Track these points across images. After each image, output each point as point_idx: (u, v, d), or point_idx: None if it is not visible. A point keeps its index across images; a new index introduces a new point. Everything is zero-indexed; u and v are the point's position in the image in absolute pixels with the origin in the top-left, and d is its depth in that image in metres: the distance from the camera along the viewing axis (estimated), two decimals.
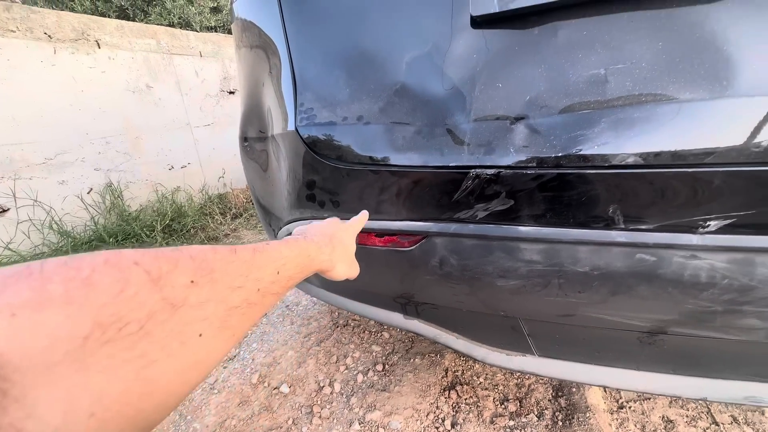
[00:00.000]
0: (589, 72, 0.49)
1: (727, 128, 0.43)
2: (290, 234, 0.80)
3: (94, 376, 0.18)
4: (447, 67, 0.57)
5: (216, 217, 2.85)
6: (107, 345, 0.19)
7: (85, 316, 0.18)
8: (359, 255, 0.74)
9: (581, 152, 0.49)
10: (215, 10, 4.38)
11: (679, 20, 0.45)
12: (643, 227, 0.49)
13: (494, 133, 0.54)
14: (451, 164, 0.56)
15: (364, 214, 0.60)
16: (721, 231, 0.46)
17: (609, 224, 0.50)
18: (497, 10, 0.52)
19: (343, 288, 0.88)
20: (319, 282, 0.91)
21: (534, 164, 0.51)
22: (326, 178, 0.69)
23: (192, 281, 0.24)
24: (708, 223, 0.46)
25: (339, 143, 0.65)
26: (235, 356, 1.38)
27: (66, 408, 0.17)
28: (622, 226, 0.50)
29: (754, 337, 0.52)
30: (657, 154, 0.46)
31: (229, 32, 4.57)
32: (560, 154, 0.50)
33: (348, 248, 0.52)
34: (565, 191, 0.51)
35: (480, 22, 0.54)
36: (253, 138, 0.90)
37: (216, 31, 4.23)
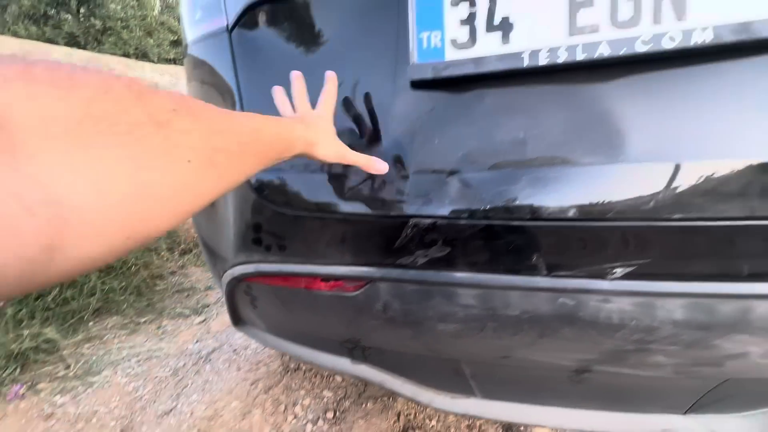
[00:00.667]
0: (510, 134, 0.55)
1: (621, 189, 0.50)
2: (236, 278, 0.79)
3: (94, 159, 0.19)
4: (388, 123, 0.62)
5: (162, 252, 2.68)
6: (101, 136, 0.19)
7: (74, 101, 0.19)
8: (303, 301, 0.74)
9: (505, 205, 0.54)
10: (175, 43, 4.37)
11: (583, 95, 0.53)
12: (563, 274, 0.54)
13: (431, 185, 0.58)
14: (392, 213, 0.59)
15: (331, 79, 0.58)
16: (625, 277, 0.52)
17: (534, 271, 0.55)
18: (430, 77, 0.58)
19: (291, 332, 0.85)
20: (265, 326, 0.88)
21: (466, 215, 0.55)
22: (273, 223, 0.70)
23: (174, 109, 0.25)
24: (614, 270, 0.52)
25: (286, 189, 0.67)
26: (170, 410, 1.25)
27: (70, 179, 0.18)
28: (545, 273, 0.54)
29: (663, 373, 0.58)
30: (568, 210, 0.52)
31: None
32: (488, 207, 0.55)
33: (328, 123, 0.53)
34: (494, 240, 0.55)
35: (418, 84, 0.60)
36: None
37: (175, 64, 4.20)
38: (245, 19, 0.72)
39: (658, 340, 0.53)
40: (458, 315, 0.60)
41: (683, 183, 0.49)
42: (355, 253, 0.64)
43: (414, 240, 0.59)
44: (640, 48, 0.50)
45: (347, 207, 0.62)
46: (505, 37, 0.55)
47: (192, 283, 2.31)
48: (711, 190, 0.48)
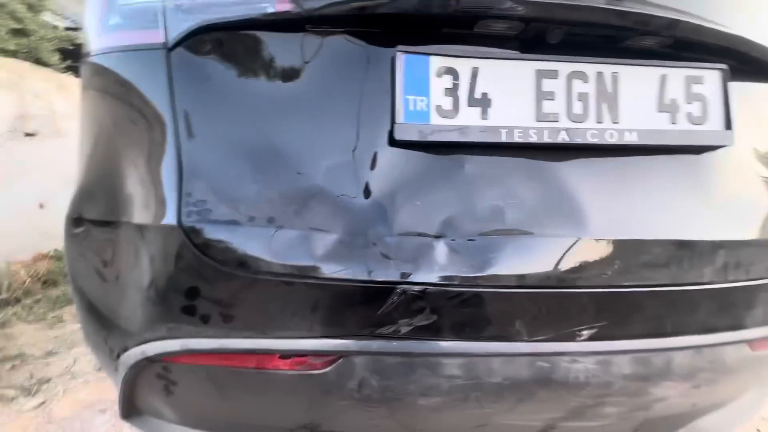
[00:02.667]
0: (492, 202, 0.58)
1: (585, 259, 0.57)
2: (148, 358, 0.59)
3: None
4: (369, 181, 0.58)
5: None
6: None
7: None
8: (250, 384, 0.60)
9: (493, 273, 0.55)
10: (19, 32, 3.47)
11: (552, 171, 0.59)
12: (541, 338, 0.56)
13: (418, 250, 0.55)
14: (378, 279, 0.54)
15: None
16: (589, 339, 0.57)
17: (516, 336, 0.56)
18: (417, 139, 0.58)
19: (218, 423, 0.68)
20: (178, 417, 0.68)
21: (456, 282, 0.54)
22: (218, 288, 0.56)
23: None
24: (581, 332, 0.57)
25: (243, 247, 0.55)
26: None
27: None
28: (525, 338, 0.56)
29: (608, 421, 0.64)
30: (546, 277, 0.56)
31: (37, 61, 3.65)
32: (477, 274, 0.55)
33: None
34: (481, 308, 0.55)
35: (402, 144, 0.58)
36: (94, 221, 0.68)
37: (15, 57, 3.31)
38: (196, 41, 0.60)
39: (611, 393, 0.60)
40: (442, 387, 0.56)
41: (627, 254, 0.58)
42: (327, 323, 0.56)
43: (400, 308, 0.55)
44: (591, 139, 0.60)
45: (324, 270, 0.54)
46: (485, 112, 0.59)
47: (20, 348, 1.70)
48: (649, 261, 0.58)
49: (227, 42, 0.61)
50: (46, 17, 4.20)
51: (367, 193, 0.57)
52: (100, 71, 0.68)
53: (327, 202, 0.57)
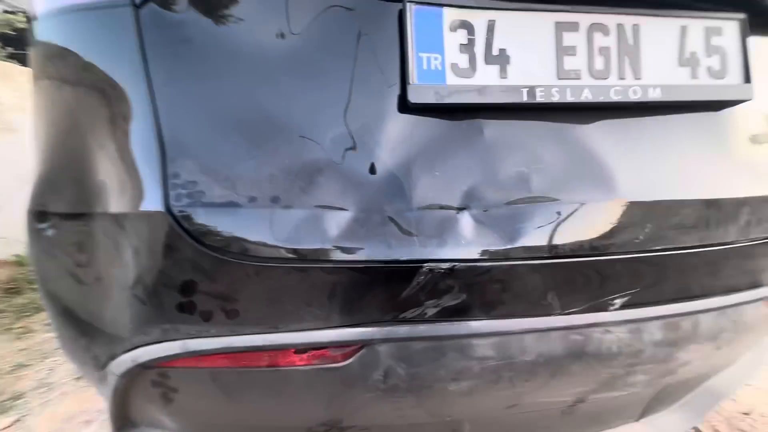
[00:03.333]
0: (516, 169, 0.53)
1: (618, 224, 0.53)
2: (141, 364, 0.52)
3: None
4: (380, 148, 0.52)
5: None
6: None
7: None
8: (262, 384, 0.54)
9: (523, 244, 0.51)
10: None
11: (577, 132, 0.55)
12: (574, 310, 0.53)
13: (442, 224, 0.50)
14: (402, 258, 0.49)
15: None
16: (621, 307, 0.55)
17: (549, 310, 0.52)
18: (433, 101, 0.52)
19: (227, 429, 0.62)
20: (180, 426, 0.61)
21: (486, 257, 0.50)
22: (219, 280, 0.49)
23: None
24: (614, 301, 0.54)
25: (245, 232, 0.48)
26: None
27: None
28: (559, 311, 0.53)
29: (637, 389, 0.63)
30: (577, 245, 0.52)
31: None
32: (506, 246, 0.50)
33: None
34: (512, 282, 0.51)
35: (417, 108, 0.52)
36: (62, 215, 0.59)
37: None
38: None
39: (641, 361, 0.58)
40: (473, 370, 0.53)
41: (656, 217, 0.55)
42: (346, 311, 0.50)
43: (426, 288, 0.50)
44: (614, 96, 0.56)
45: (340, 252, 0.48)
46: (503, 70, 0.54)
47: None
48: (677, 223, 0.56)
49: None
50: None
51: (380, 163, 0.51)
52: (52, 35, 0.58)
53: (337, 175, 0.51)
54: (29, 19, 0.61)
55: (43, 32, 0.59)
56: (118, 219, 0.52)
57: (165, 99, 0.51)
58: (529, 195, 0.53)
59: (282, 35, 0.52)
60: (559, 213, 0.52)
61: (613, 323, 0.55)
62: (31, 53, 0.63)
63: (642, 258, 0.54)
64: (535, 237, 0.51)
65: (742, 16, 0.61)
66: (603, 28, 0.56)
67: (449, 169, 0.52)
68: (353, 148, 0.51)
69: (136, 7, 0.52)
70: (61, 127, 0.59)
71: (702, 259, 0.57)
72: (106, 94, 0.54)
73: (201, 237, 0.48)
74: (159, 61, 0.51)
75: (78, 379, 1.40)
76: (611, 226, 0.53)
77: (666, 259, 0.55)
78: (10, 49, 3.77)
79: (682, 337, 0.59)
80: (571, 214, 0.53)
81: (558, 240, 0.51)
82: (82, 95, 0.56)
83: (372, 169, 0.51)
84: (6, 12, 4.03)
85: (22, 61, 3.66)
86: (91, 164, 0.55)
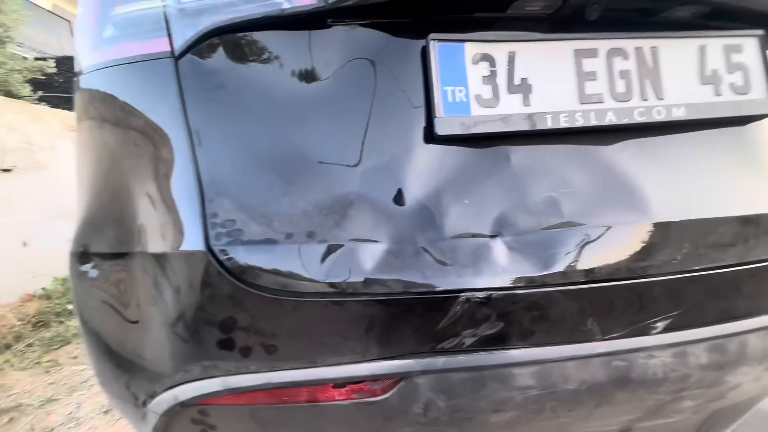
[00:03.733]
0: (546, 194, 0.54)
1: (651, 245, 0.53)
2: (182, 403, 0.53)
3: None
4: (410, 180, 0.53)
5: None
6: None
7: None
8: (301, 419, 0.54)
9: (559, 270, 0.50)
10: None
11: (604, 155, 0.55)
12: (615, 335, 0.52)
13: (476, 252, 0.51)
14: (438, 288, 0.49)
15: None
16: (664, 330, 0.53)
17: (590, 336, 0.51)
18: (459, 132, 0.53)
19: None
20: None
21: (522, 284, 0.50)
22: (258, 316, 0.50)
23: None
24: (656, 324, 0.53)
25: (283, 268, 0.49)
26: None
27: None
28: (600, 337, 0.52)
29: (684, 416, 0.60)
30: (614, 269, 0.51)
31: (8, 94, 3.51)
32: (542, 273, 0.50)
33: None
34: (550, 308, 0.51)
35: (445, 140, 0.54)
36: (104, 255, 0.61)
37: None
38: (205, 47, 0.55)
39: (688, 386, 0.56)
40: (515, 400, 0.51)
41: (692, 236, 0.54)
42: (384, 343, 0.50)
43: (463, 318, 0.49)
44: (639, 118, 0.56)
45: (376, 285, 0.49)
46: (526, 99, 0.55)
47: (16, 399, 1.58)
48: (715, 241, 0.55)
49: (240, 44, 0.56)
50: (12, 49, 4.05)
51: (411, 195, 0.52)
52: (96, 88, 0.62)
53: (369, 209, 0.52)
54: (75, 72, 0.66)
55: (89, 82, 0.63)
56: (158, 258, 0.54)
57: (203, 142, 0.54)
58: (561, 220, 0.53)
59: (311, 76, 0.55)
60: (591, 236, 0.52)
61: (656, 347, 0.53)
62: (77, 100, 0.67)
63: (681, 279, 0.53)
64: (569, 262, 0.51)
65: (760, 32, 0.61)
66: (622, 53, 0.58)
67: (479, 197, 0.53)
68: (384, 180, 0.53)
69: (176, 58, 0.55)
70: (104, 171, 0.62)
71: (744, 276, 0.55)
72: (148, 138, 0.57)
73: (240, 274, 0.49)
74: (197, 107, 0.54)
75: (106, 412, 1.41)
76: (647, 247, 0.53)
77: (706, 279, 0.54)
78: (40, 93, 4.00)
79: (730, 359, 0.56)
80: (605, 237, 0.52)
81: (593, 264, 0.51)
82: (125, 140, 0.59)
83: (403, 201, 0.52)
84: (37, 59, 4.31)
85: (52, 103, 3.88)
86: (132, 205, 0.57)
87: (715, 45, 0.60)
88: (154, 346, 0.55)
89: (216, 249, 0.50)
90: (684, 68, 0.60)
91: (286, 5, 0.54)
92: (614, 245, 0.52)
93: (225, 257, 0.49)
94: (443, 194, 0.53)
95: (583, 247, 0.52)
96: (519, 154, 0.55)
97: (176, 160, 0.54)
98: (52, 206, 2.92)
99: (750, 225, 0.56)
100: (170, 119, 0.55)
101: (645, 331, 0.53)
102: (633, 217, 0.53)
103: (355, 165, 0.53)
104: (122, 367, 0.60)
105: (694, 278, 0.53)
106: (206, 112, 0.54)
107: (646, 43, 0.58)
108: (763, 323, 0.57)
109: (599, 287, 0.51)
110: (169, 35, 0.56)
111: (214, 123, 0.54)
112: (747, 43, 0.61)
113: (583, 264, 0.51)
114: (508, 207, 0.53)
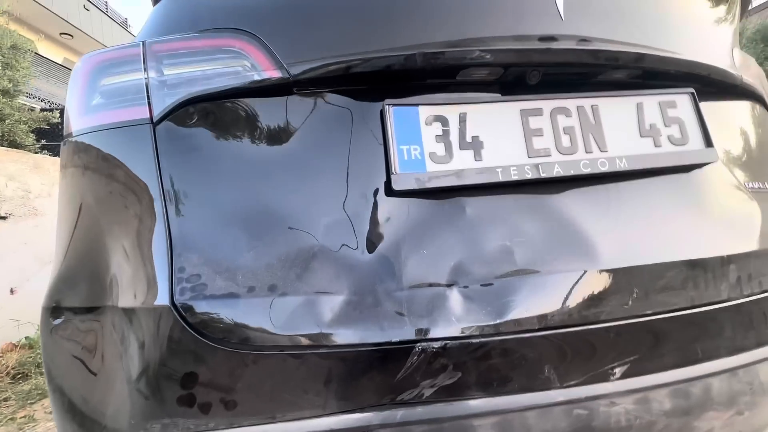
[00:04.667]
0: (499, 243, 0.56)
1: (605, 292, 0.55)
2: None
3: None
4: (369, 232, 0.56)
5: None
6: None
7: None
8: None
9: (514, 317, 0.52)
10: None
11: (553, 205, 0.59)
12: (574, 382, 0.52)
13: (432, 302, 0.52)
14: (394, 339, 0.50)
15: None
16: (624, 376, 0.54)
17: (548, 384, 0.52)
18: (415, 187, 0.57)
19: None
20: None
21: (478, 333, 0.51)
22: (218, 370, 0.51)
23: None
24: (614, 370, 0.53)
25: (244, 321, 0.51)
26: None
27: None
28: (558, 384, 0.52)
29: None
30: (569, 315, 0.53)
31: (12, 143, 3.63)
32: (498, 321, 0.52)
33: None
34: (507, 356, 0.52)
35: (401, 194, 0.57)
36: (75, 309, 0.62)
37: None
38: (181, 113, 0.60)
39: None
40: None
41: (642, 281, 0.57)
42: (343, 396, 0.50)
43: (421, 368, 0.50)
44: (584, 169, 0.61)
45: (335, 337, 0.50)
46: (478, 154, 0.60)
47: None
48: (665, 286, 0.57)
49: (213, 111, 0.61)
50: (22, 100, 4.26)
51: (370, 247, 0.55)
52: (81, 150, 0.66)
53: (330, 261, 0.54)
54: (65, 135, 0.70)
55: (74, 144, 0.67)
56: (127, 313, 0.55)
57: (174, 199, 0.57)
58: (514, 268, 0.55)
59: (277, 139, 0.60)
60: (544, 284, 0.54)
61: (617, 394, 0.53)
62: (61, 160, 0.71)
63: (634, 324, 0.54)
64: (523, 309, 0.52)
65: (690, 89, 0.67)
66: (565, 111, 0.63)
67: (436, 248, 0.56)
68: (345, 234, 0.56)
69: (154, 124, 0.60)
70: (81, 228, 0.65)
71: (696, 320, 0.57)
72: (124, 196, 0.60)
73: (202, 328, 0.50)
74: (170, 167, 0.58)
75: None
76: (599, 293, 0.55)
77: (659, 324, 0.55)
78: (43, 141, 4.15)
79: (695, 404, 0.56)
80: (557, 284, 0.54)
81: (547, 311, 0.53)
82: (103, 198, 0.63)
83: (363, 253, 0.55)
84: (43, 110, 4.50)
85: (54, 152, 4.02)
86: (105, 260, 0.60)
87: (650, 102, 0.66)
88: (116, 403, 0.55)
89: (179, 303, 0.51)
90: (624, 123, 0.65)
91: (255, 77, 0.59)
92: (567, 292, 0.54)
93: (187, 311, 0.51)
94: (401, 246, 0.55)
95: (536, 294, 0.54)
96: (473, 206, 0.59)
97: (149, 217, 0.58)
98: (44, 252, 2.93)
99: (697, 268, 0.59)
100: (145, 179, 0.59)
101: (604, 378, 0.53)
102: (584, 264, 0.56)
103: (318, 220, 0.56)
104: (85, 426, 0.59)
105: (647, 323, 0.55)
106: (179, 172, 0.58)
107: (586, 102, 0.64)
108: (723, 366, 0.58)
109: (554, 334, 0.52)
110: (149, 103, 0.61)
111: (185, 182, 0.58)
112: (680, 100, 0.67)
113: (537, 311, 0.53)
114: (464, 257, 0.55)
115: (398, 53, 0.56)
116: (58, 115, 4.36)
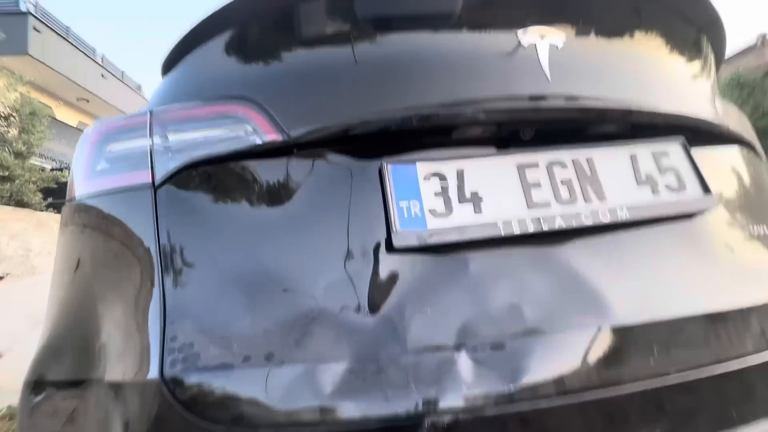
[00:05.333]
0: (506, 301, 0.54)
1: (624, 350, 0.51)
2: None
3: None
4: (370, 293, 0.54)
5: None
6: None
7: None
8: None
9: (530, 383, 0.48)
10: (5, 179, 3.58)
11: (558, 259, 0.57)
12: None
13: (440, 368, 0.49)
14: (400, 411, 0.46)
15: None
16: None
17: None
18: (416, 245, 0.56)
19: None
20: None
21: (491, 402, 0.47)
22: None
23: None
24: None
25: (238, 395, 0.47)
26: None
27: None
28: None
29: None
30: (585, 378, 0.49)
31: (19, 203, 3.70)
32: (512, 387, 0.48)
33: None
34: (527, 427, 0.47)
35: (402, 251, 0.56)
36: (58, 384, 0.59)
37: None
38: (182, 177, 0.61)
39: None
40: None
41: (658, 338, 0.53)
42: None
43: None
44: (586, 221, 0.60)
45: (338, 411, 0.46)
46: (477, 208, 0.59)
47: None
48: (684, 341, 0.53)
49: (213, 174, 0.62)
50: (34, 160, 4.41)
51: (372, 308, 0.53)
52: (82, 212, 0.67)
53: (330, 325, 0.52)
54: (68, 200, 0.71)
55: (76, 208, 0.68)
56: (113, 388, 0.51)
57: (171, 264, 0.56)
58: (525, 328, 0.52)
59: (277, 200, 0.60)
60: (558, 345, 0.51)
61: None
62: (61, 224, 0.71)
63: (656, 384, 0.50)
64: (538, 374, 0.49)
65: (680, 138, 0.69)
66: (560, 164, 0.64)
67: (441, 307, 0.53)
68: (345, 295, 0.54)
69: (155, 188, 0.61)
70: (73, 293, 0.63)
71: (725, 378, 0.53)
72: (120, 261, 0.59)
73: (192, 406, 0.47)
74: (169, 231, 0.58)
75: None
76: (615, 352, 0.51)
77: (683, 383, 0.51)
78: (49, 200, 4.23)
79: None
80: (572, 344, 0.51)
81: (563, 374, 0.49)
82: (98, 263, 0.62)
83: (364, 315, 0.52)
84: (54, 169, 4.65)
85: (59, 209, 4.08)
86: (95, 330, 0.57)
87: (644, 152, 0.67)
88: None
89: (168, 377, 0.48)
90: (620, 174, 0.65)
91: (257, 141, 0.61)
92: (583, 352, 0.51)
93: (177, 386, 0.48)
94: (405, 306, 0.53)
95: (551, 356, 0.50)
96: (476, 261, 0.57)
97: (144, 283, 0.56)
98: (38, 311, 2.85)
99: (718, 321, 0.56)
100: (143, 243, 0.58)
101: None
102: (597, 321, 0.53)
103: (318, 282, 0.54)
104: None
105: (670, 383, 0.51)
106: (177, 236, 0.58)
107: (581, 154, 0.65)
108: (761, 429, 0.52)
109: (573, 400, 0.48)
110: (152, 168, 0.62)
111: (183, 246, 0.57)
112: (672, 149, 0.68)
113: (554, 375, 0.49)
114: (471, 316, 0.53)
115: (394, 115, 0.58)
116: (68, 174, 4.49)
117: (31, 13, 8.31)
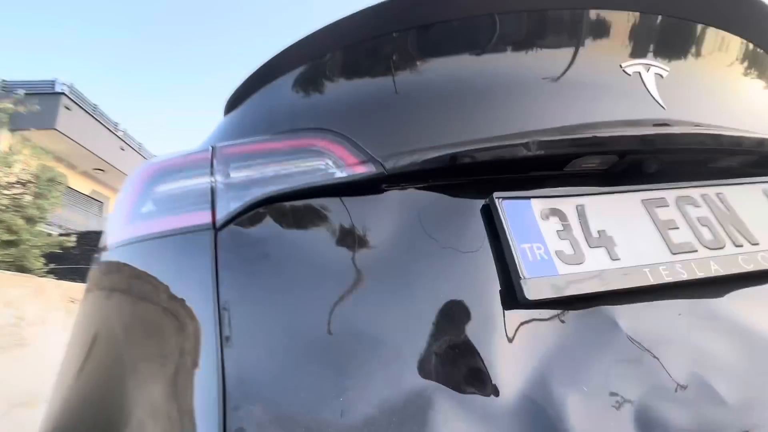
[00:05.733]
0: (686, 372, 0.40)
1: None
2: None
3: None
4: (497, 364, 0.40)
5: None
6: None
7: None
8: None
9: None
10: (10, 243, 3.49)
11: (728, 308, 0.44)
12: None
13: None
14: None
15: None
16: None
17: None
18: (552, 296, 0.44)
19: None
20: None
21: None
22: None
23: None
24: None
25: None
26: None
27: None
28: None
29: None
30: None
31: (20, 268, 3.55)
32: None
33: None
34: None
35: (531, 305, 0.44)
36: None
37: None
38: (249, 216, 0.50)
39: None
40: None
41: None
42: None
43: None
44: (745, 265, 0.48)
45: None
46: (612, 252, 0.48)
47: None
48: None
49: (285, 212, 0.52)
50: (41, 227, 4.36)
51: (503, 385, 0.39)
52: (115, 264, 0.56)
53: (448, 411, 0.37)
54: (99, 248, 0.60)
55: (112, 256, 0.56)
56: None
57: (233, 325, 0.43)
58: (726, 414, 0.37)
59: (364, 244, 0.49)
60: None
61: None
62: (90, 277, 0.59)
63: None
64: None
65: None
66: (690, 200, 0.54)
67: (602, 384, 0.39)
68: (462, 368, 0.40)
69: (216, 229, 0.50)
70: (94, 363, 0.49)
71: None
72: (164, 320, 0.47)
73: None
74: (231, 282, 0.46)
75: None
76: None
77: None
78: (52, 265, 4.09)
79: None
80: None
81: None
82: (135, 322, 0.49)
83: (495, 397, 0.38)
84: (61, 234, 4.59)
85: (59, 275, 3.92)
86: (120, 412, 0.42)
87: None
88: None
89: None
90: (759, 211, 0.55)
91: (339, 174, 0.52)
92: None
93: None
94: (550, 383, 0.39)
95: None
96: (629, 318, 0.44)
97: (196, 350, 0.43)
98: (19, 391, 2.54)
99: None
100: (197, 296, 0.46)
101: None
102: None
103: (426, 349, 0.41)
104: None
105: None
106: (242, 288, 0.46)
107: (710, 190, 0.56)
108: None
109: None
110: (213, 207, 0.52)
111: (250, 302, 0.45)
112: None
113: None
114: (646, 397, 0.38)
115: (508, 142, 0.49)
116: (74, 239, 4.41)
117: (65, 94, 9.02)
